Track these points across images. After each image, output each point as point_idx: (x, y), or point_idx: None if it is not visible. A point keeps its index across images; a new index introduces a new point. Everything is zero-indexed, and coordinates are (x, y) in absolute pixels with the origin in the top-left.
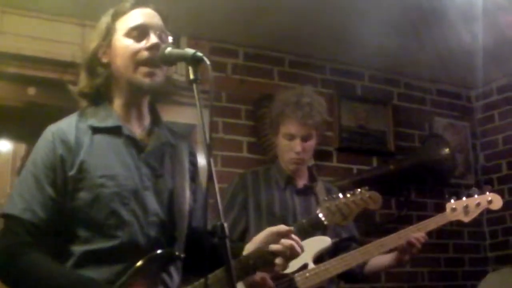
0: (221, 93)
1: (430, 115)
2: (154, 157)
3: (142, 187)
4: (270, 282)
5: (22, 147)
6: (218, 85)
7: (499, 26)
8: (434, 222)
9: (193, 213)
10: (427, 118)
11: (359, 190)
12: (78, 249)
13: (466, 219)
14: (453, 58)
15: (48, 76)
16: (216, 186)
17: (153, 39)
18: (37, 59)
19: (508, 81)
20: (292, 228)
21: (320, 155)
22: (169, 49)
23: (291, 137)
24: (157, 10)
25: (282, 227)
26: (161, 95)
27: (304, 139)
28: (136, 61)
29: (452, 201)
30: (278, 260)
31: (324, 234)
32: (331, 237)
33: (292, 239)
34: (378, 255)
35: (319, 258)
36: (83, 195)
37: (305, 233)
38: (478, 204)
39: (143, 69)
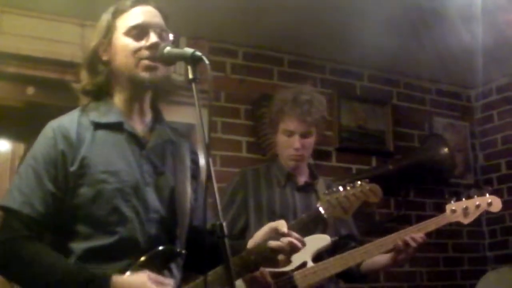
0: (220, 93)
1: (430, 115)
2: (156, 154)
3: (143, 184)
4: (268, 277)
5: (21, 146)
6: (217, 84)
7: (499, 26)
8: (434, 223)
9: (194, 212)
10: (427, 118)
11: (359, 182)
12: (78, 246)
13: (466, 221)
14: (452, 58)
15: (48, 76)
16: (215, 185)
17: (153, 38)
18: (36, 59)
19: (508, 81)
20: (285, 229)
21: (319, 154)
22: (168, 48)
23: (290, 134)
24: (158, 8)
25: (280, 223)
26: (161, 92)
27: (303, 135)
28: (136, 59)
29: (452, 202)
30: (280, 256)
31: (324, 232)
32: (331, 235)
33: (291, 236)
34: (377, 255)
35: (318, 257)
36: (85, 191)
37: (306, 228)
38: (477, 206)
39: (144, 63)
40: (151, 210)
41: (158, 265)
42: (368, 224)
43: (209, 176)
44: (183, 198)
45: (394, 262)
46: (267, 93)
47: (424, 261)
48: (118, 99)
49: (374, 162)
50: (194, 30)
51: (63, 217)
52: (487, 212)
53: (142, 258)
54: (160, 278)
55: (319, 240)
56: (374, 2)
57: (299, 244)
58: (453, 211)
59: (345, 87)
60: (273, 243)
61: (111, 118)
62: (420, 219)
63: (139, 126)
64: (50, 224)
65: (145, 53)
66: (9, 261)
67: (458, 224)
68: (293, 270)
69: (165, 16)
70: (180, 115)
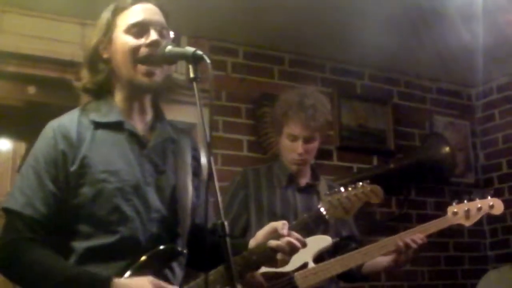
0: (221, 92)
1: (430, 114)
2: (157, 153)
3: (144, 183)
4: (261, 279)
5: (22, 146)
6: (218, 83)
7: (499, 25)
8: (436, 225)
9: (196, 210)
10: (427, 117)
11: (360, 183)
12: (79, 245)
13: (467, 223)
14: (453, 57)
15: (48, 75)
16: (217, 184)
17: (153, 35)
18: (37, 58)
19: (508, 80)
20: (285, 231)
21: (320, 153)
22: (169, 47)
23: (294, 138)
24: (158, 5)
25: (281, 223)
26: (161, 94)
27: (307, 140)
28: (136, 58)
29: (454, 204)
30: (278, 256)
31: (325, 233)
32: (332, 236)
33: (291, 236)
34: (378, 257)
35: (319, 258)
36: (85, 191)
37: (307, 228)
38: (479, 209)
39: (142, 68)
40: (153, 210)
41: (160, 264)
42: (369, 223)
43: (210, 175)
44: (184, 197)
45: (395, 264)
46: (267, 92)
47: (425, 260)
48: (119, 97)
49: (375, 161)
50: (195, 29)
51: (64, 216)
52: (488, 215)
53: (143, 257)
54: (162, 284)
55: (320, 241)
56: (375, 2)
57: (298, 244)
58: (455, 213)
59: (346, 86)
60: (272, 243)
61: (112, 117)
62: (421, 218)
63: (139, 125)
64: (52, 224)
65: (145, 51)
66: (12, 263)
67: (459, 224)
68: (293, 271)
69: (166, 14)
70: (181, 114)
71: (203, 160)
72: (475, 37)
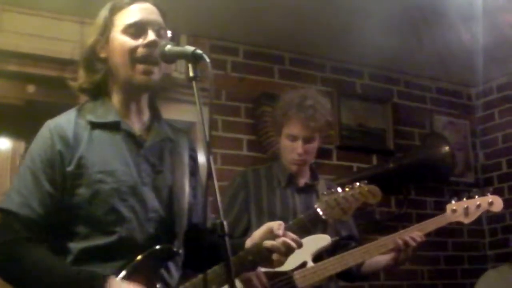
0: (221, 91)
1: (430, 113)
2: (154, 153)
3: (141, 183)
4: (263, 278)
5: (22, 145)
6: (217, 83)
7: (499, 25)
8: (434, 223)
9: (194, 209)
10: (427, 116)
11: (358, 184)
12: (76, 246)
13: (466, 221)
14: (453, 56)
15: (48, 73)
16: (216, 184)
17: (150, 36)
18: (36, 56)
19: (508, 79)
20: (280, 231)
21: (320, 153)
22: (168, 46)
23: (294, 138)
24: (156, 5)
25: (277, 224)
26: (159, 91)
27: (307, 140)
28: (133, 59)
29: (453, 202)
30: (274, 256)
31: (324, 232)
32: (331, 236)
33: (286, 236)
34: (377, 255)
35: (318, 257)
36: (82, 191)
37: (304, 229)
38: (478, 206)
39: (140, 67)
40: (150, 210)
41: (155, 264)
42: (368, 223)
43: (209, 174)
44: (181, 197)
45: (394, 262)
46: (267, 91)
47: (425, 259)
48: (116, 98)
49: (374, 161)
50: (194, 28)
51: (61, 217)
52: (487, 211)
53: (139, 257)
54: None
55: (319, 240)
56: (375, 1)
57: (293, 244)
58: (454, 211)
59: (346, 85)
60: (268, 243)
61: (108, 117)
62: (421, 217)
63: (136, 125)
64: (48, 224)
65: (143, 51)
66: (7, 263)
67: (459, 222)
68: (292, 270)
69: (163, 13)
70: (180, 113)
71: (202, 159)
72: (475, 36)
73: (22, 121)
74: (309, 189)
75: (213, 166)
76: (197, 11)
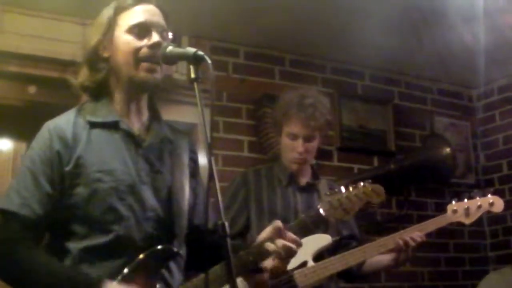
0: (222, 92)
1: (431, 115)
2: (153, 153)
3: (139, 182)
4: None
5: (23, 146)
6: (219, 84)
7: (500, 26)
8: (435, 223)
9: (195, 211)
10: (428, 118)
11: (361, 183)
12: (75, 246)
13: (467, 221)
14: (454, 58)
15: (49, 74)
16: (217, 185)
17: (155, 37)
18: (37, 57)
19: (509, 81)
20: (280, 226)
21: (321, 154)
22: (170, 48)
23: (294, 137)
24: (159, 6)
25: (276, 224)
26: (160, 91)
27: (307, 139)
28: (138, 58)
29: (454, 202)
30: (276, 262)
31: (325, 232)
32: (333, 235)
33: (286, 239)
34: (377, 255)
35: (319, 256)
36: (80, 191)
37: (306, 230)
38: (479, 207)
39: (144, 66)
40: (148, 209)
41: (156, 264)
42: (369, 224)
43: (211, 176)
44: (181, 197)
45: (395, 263)
46: (268, 92)
47: (426, 261)
48: (116, 97)
49: (375, 162)
50: (195, 29)
51: (59, 217)
52: (488, 212)
53: (139, 257)
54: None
55: (320, 240)
56: (376, 2)
57: (293, 247)
58: (455, 212)
59: (347, 86)
60: (269, 246)
61: (108, 117)
62: (422, 219)
63: (136, 125)
64: (48, 224)
65: (147, 52)
66: (6, 263)
67: (460, 224)
68: (293, 270)
69: (165, 15)
70: (182, 114)
71: (203, 161)
72: (476, 38)
73: (23, 122)
74: (310, 188)
75: (214, 167)
76: (198, 13)
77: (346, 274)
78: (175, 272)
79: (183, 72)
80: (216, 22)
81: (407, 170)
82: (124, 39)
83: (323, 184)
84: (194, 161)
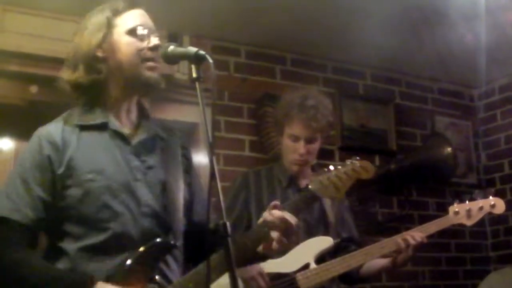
0: (224, 92)
1: (432, 114)
2: (144, 149)
3: (133, 179)
4: (266, 277)
5: (24, 145)
6: (220, 83)
7: (502, 25)
8: (437, 224)
9: (193, 207)
10: (429, 117)
11: (349, 161)
12: (72, 246)
13: (469, 223)
14: (455, 57)
15: (50, 74)
16: (219, 184)
17: (154, 40)
18: (38, 57)
19: (510, 80)
20: (276, 203)
21: (322, 154)
22: (171, 47)
23: (295, 139)
24: (147, 11)
25: (271, 205)
26: (154, 91)
27: (308, 141)
28: (142, 59)
29: (455, 204)
30: (273, 234)
31: (326, 234)
32: (333, 237)
33: (285, 213)
34: (379, 257)
35: (320, 258)
36: (73, 192)
37: (298, 209)
38: (481, 208)
39: (148, 65)
40: (143, 205)
41: (154, 258)
42: (370, 224)
43: (212, 175)
44: (175, 192)
45: (394, 264)
46: (270, 92)
47: (427, 260)
48: (108, 98)
49: (376, 161)
50: (197, 29)
51: (55, 219)
52: (490, 213)
53: (140, 250)
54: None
55: (322, 242)
56: (377, 1)
57: (292, 220)
58: (456, 213)
59: (348, 86)
60: (267, 217)
61: (96, 119)
62: (423, 218)
63: (125, 124)
64: (40, 228)
65: (148, 53)
66: None
67: (461, 224)
68: (295, 272)
69: (153, 19)
70: (183, 114)
71: (205, 160)
72: (477, 37)
73: (24, 122)
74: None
75: (215, 167)
76: (200, 12)
77: (346, 277)
78: (173, 265)
79: (185, 71)
80: (217, 21)
81: (408, 170)
82: (126, 40)
83: None
84: (186, 157)
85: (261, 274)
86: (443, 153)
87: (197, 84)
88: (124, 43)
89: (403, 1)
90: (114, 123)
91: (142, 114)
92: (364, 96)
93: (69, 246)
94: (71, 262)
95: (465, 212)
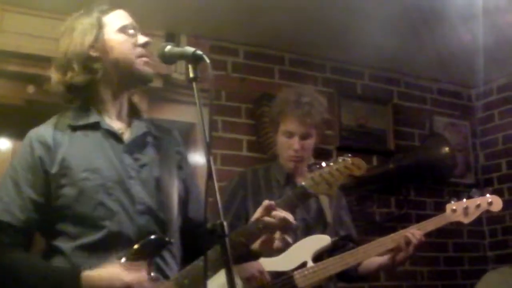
0: (221, 92)
1: (430, 114)
2: (136, 147)
3: (127, 177)
4: (267, 276)
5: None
6: (218, 83)
7: (499, 25)
8: (434, 222)
9: (189, 204)
10: (427, 117)
11: (341, 158)
12: (68, 245)
13: (466, 221)
14: (453, 57)
15: (49, 74)
16: (216, 184)
17: (143, 37)
18: (37, 57)
19: (508, 80)
20: (270, 203)
21: (320, 153)
22: (169, 47)
23: (290, 135)
24: (129, 12)
25: (266, 203)
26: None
27: (303, 137)
28: (137, 55)
29: (452, 202)
30: (276, 235)
31: (323, 232)
32: (331, 236)
33: (281, 211)
34: (377, 255)
35: (318, 257)
36: (67, 191)
37: (292, 205)
38: (478, 206)
39: (143, 60)
40: (138, 202)
41: (150, 253)
42: (368, 224)
43: (210, 175)
44: (169, 187)
45: (393, 262)
46: (267, 92)
47: (425, 260)
48: (99, 97)
49: (375, 161)
50: (194, 29)
51: (49, 220)
52: (487, 212)
53: (135, 247)
54: (131, 264)
55: (320, 241)
56: (375, 1)
57: (292, 219)
58: (454, 211)
59: (346, 86)
60: (267, 219)
61: (89, 119)
62: (421, 218)
63: (117, 123)
64: (33, 229)
65: (141, 50)
66: None
67: (459, 223)
68: (292, 270)
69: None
70: (180, 113)
71: (202, 160)
72: (475, 37)
73: (23, 122)
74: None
75: (213, 167)
76: (198, 12)
77: (344, 275)
78: (170, 261)
79: (182, 71)
80: (215, 21)
81: (406, 170)
82: (119, 38)
83: None
84: (180, 153)
85: (261, 272)
86: (441, 153)
87: (194, 84)
88: (117, 41)
89: (401, 2)
90: (106, 122)
91: (134, 112)
92: (362, 96)
93: (65, 245)
94: (68, 262)
95: (462, 210)
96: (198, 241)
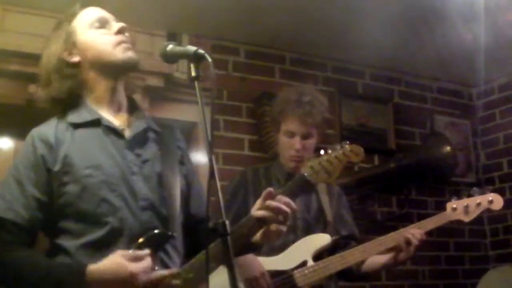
0: (223, 91)
1: (431, 113)
2: (137, 143)
3: (129, 173)
4: (268, 278)
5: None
6: (219, 83)
7: (500, 25)
8: (434, 221)
9: (191, 200)
10: (428, 116)
11: (339, 145)
12: (73, 243)
13: (467, 219)
14: (454, 56)
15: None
16: (218, 183)
17: (116, 24)
18: (38, 56)
19: (509, 79)
20: (270, 190)
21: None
22: (170, 46)
23: (291, 135)
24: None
25: (266, 191)
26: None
27: (304, 137)
28: (113, 44)
29: (453, 200)
30: (272, 226)
31: (324, 231)
32: (331, 235)
33: (278, 200)
34: (377, 254)
35: (318, 256)
36: (71, 188)
37: (293, 194)
38: (478, 204)
39: (121, 47)
40: (141, 198)
41: (154, 248)
42: (369, 223)
43: (212, 174)
44: (172, 183)
45: (395, 261)
46: (269, 91)
47: (426, 259)
48: (94, 95)
49: (376, 161)
50: (196, 28)
51: (52, 218)
52: (488, 211)
53: (140, 240)
54: (135, 253)
55: (320, 239)
56: (376, 1)
57: (286, 208)
58: (454, 209)
59: (347, 85)
60: (259, 213)
61: (89, 117)
62: (422, 217)
63: (117, 119)
64: (36, 227)
65: (117, 37)
66: None
67: (460, 222)
68: (293, 269)
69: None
70: (182, 113)
71: (204, 159)
72: (476, 36)
73: (24, 121)
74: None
75: (215, 166)
76: (199, 12)
77: (346, 274)
78: (173, 255)
79: (184, 70)
80: (216, 20)
81: (407, 169)
82: (91, 35)
83: (321, 184)
84: (181, 149)
85: (263, 274)
86: (442, 152)
87: (196, 83)
88: (90, 38)
89: (402, 1)
90: (106, 119)
91: (133, 108)
92: (363, 95)
93: (69, 243)
94: (73, 260)
95: (463, 208)
96: (200, 236)
